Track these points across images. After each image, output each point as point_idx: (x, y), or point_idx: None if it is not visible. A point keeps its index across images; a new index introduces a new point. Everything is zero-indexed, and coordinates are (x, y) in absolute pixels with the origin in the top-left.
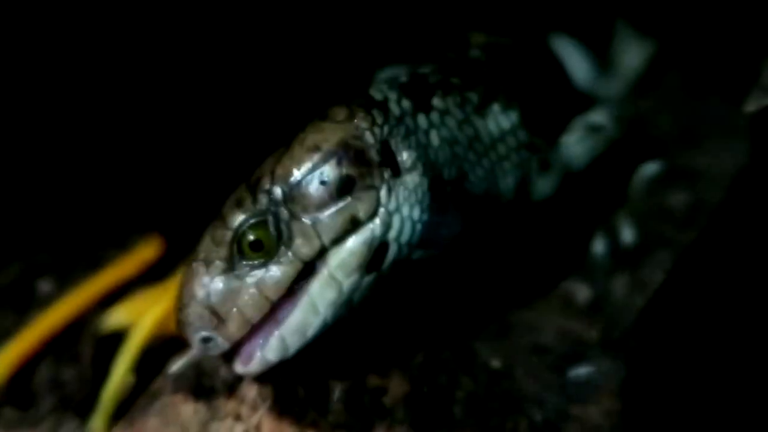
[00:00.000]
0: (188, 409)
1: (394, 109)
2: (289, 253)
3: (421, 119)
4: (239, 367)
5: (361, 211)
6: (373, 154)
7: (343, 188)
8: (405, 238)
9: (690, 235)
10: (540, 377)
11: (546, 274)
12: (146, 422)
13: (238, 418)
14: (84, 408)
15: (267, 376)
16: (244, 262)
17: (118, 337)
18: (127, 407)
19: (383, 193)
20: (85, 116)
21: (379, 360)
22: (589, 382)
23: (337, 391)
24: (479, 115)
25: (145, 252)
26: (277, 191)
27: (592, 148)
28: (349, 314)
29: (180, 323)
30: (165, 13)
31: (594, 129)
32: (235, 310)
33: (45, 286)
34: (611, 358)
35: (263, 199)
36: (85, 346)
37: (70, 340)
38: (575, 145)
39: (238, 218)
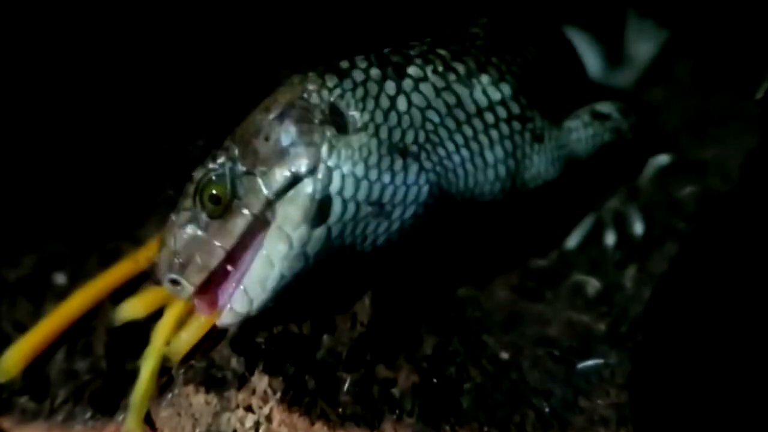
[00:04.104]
0: (200, 400)
1: (357, 75)
2: (241, 207)
3: (389, 85)
4: (217, 321)
5: (302, 166)
6: (317, 113)
7: (285, 144)
8: (349, 193)
9: (699, 228)
10: (548, 369)
11: (555, 266)
12: (158, 413)
13: (248, 409)
14: (97, 398)
15: (277, 369)
16: (205, 214)
17: (130, 329)
18: None
19: (324, 149)
20: (101, 112)
21: (388, 352)
22: (597, 374)
23: (346, 383)
24: (464, 85)
25: (158, 246)
26: (234, 149)
27: (596, 135)
28: (309, 271)
29: (155, 265)
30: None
31: (599, 116)
32: (194, 256)
33: (60, 278)
34: (619, 351)
35: (221, 156)
36: (99, 337)
37: (83, 332)
38: (578, 129)
39: (199, 173)
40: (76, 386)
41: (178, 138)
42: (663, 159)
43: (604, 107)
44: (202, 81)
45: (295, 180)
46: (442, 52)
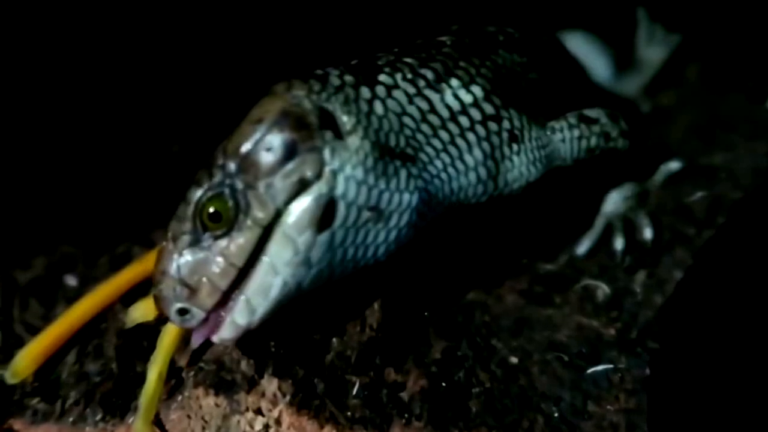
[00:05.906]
0: (209, 403)
1: (334, 80)
2: (248, 220)
3: (364, 90)
4: (214, 337)
5: (308, 171)
6: (313, 118)
7: (287, 152)
8: (351, 196)
9: (709, 233)
10: (557, 374)
11: (565, 271)
12: (168, 415)
13: (258, 411)
14: (108, 400)
15: (286, 372)
16: (208, 234)
17: (141, 331)
18: None
19: (326, 153)
20: (113, 115)
21: (397, 355)
22: (607, 379)
23: (355, 386)
24: (434, 90)
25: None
26: (230, 165)
27: (582, 138)
28: (313, 278)
29: (156, 299)
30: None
31: (586, 119)
32: (204, 279)
33: (71, 280)
34: (629, 356)
35: (218, 174)
36: (110, 339)
37: (94, 334)
38: (563, 130)
39: (196, 194)
40: (87, 388)
41: (189, 140)
42: (673, 164)
43: (592, 112)
44: (214, 85)
45: (302, 186)
46: (409, 60)
